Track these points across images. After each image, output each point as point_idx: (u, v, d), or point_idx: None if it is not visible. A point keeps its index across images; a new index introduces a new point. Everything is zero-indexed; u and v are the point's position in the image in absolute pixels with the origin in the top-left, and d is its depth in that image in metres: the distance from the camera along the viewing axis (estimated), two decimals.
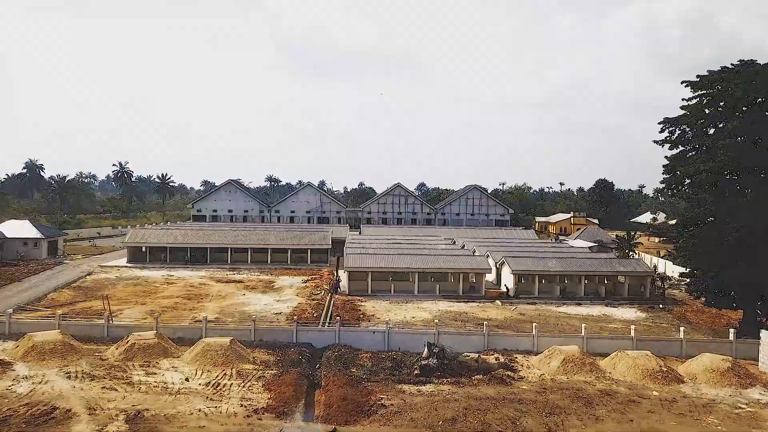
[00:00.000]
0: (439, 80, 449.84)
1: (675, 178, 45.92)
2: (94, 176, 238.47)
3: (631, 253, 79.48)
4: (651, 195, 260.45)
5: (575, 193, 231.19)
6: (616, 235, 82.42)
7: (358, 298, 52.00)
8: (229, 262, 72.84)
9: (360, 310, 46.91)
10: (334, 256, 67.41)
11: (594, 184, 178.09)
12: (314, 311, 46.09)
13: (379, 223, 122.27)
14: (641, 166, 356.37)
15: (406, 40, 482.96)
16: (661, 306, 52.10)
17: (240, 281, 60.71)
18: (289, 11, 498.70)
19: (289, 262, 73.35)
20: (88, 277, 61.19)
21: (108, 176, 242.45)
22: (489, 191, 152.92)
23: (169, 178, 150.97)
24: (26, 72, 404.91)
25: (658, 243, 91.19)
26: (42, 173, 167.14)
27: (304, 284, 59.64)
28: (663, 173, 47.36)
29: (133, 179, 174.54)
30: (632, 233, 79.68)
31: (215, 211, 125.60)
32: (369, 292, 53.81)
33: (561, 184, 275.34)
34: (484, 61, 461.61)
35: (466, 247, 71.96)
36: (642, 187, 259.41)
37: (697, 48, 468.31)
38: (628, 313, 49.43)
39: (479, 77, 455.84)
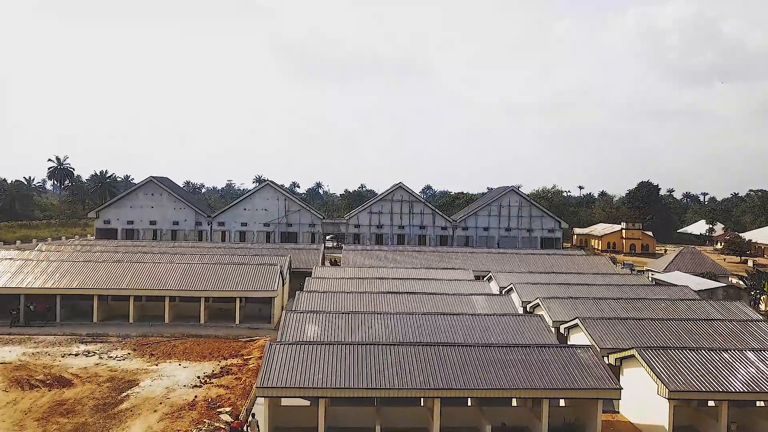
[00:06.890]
0: (441, 84, 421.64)
1: None
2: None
3: None
4: (679, 199, 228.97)
5: (596, 197, 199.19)
6: (756, 268, 49.96)
7: None
8: (95, 320, 41.04)
9: None
10: (293, 298, 36.74)
11: (636, 187, 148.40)
12: None
13: (372, 242, 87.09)
14: (645, 171, 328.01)
15: (407, 42, 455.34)
16: None
17: (67, 381, 29.24)
18: (289, 13, 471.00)
19: (203, 320, 41.61)
20: None
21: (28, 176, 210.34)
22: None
23: (111, 176, 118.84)
24: (22, 73, 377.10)
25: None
26: None
27: (196, 388, 27.99)
28: None
29: (76, 177, 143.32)
30: None
31: (131, 222, 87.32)
32: None
33: (580, 187, 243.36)
34: (486, 65, 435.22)
35: (523, 298, 40.13)
36: (671, 191, 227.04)
37: (699, 53, 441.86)
38: None
39: (480, 82, 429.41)
